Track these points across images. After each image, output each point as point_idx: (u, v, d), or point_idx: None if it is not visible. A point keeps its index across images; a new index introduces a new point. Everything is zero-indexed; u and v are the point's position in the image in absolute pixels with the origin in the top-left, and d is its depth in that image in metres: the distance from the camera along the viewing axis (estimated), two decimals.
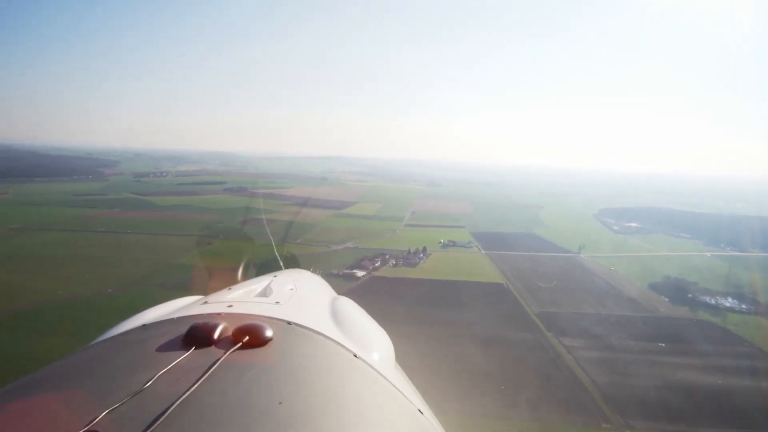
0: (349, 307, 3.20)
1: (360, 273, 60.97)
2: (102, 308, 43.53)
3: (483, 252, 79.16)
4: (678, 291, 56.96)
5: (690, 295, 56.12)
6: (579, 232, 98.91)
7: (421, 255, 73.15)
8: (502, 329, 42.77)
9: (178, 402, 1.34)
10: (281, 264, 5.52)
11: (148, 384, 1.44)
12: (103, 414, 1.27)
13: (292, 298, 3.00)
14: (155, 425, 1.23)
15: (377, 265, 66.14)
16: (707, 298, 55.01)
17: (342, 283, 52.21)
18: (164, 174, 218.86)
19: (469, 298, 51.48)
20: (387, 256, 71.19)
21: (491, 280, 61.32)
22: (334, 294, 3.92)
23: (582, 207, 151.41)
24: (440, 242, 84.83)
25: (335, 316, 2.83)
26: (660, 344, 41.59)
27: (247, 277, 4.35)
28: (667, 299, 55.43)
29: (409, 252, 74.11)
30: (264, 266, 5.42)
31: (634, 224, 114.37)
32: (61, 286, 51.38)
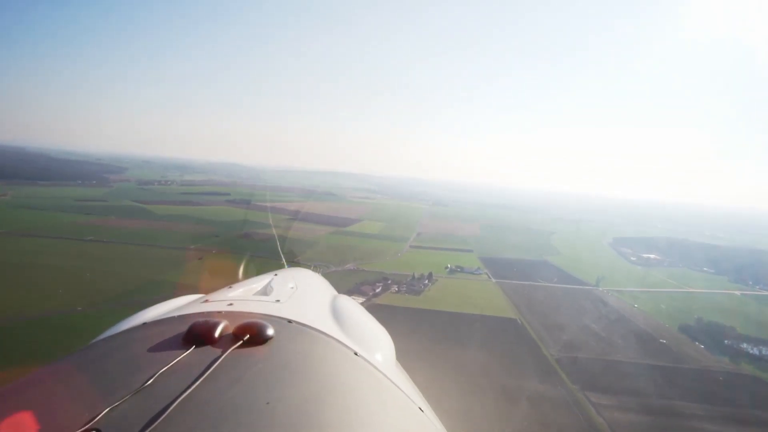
0: (350, 305, 3.20)
1: (358, 300, 55.35)
2: (62, 329, 38.55)
3: (493, 280, 73.39)
4: (713, 336, 50.73)
5: (728, 342, 49.89)
6: (595, 262, 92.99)
7: (426, 281, 67.63)
8: (518, 379, 36.93)
9: (178, 400, 1.34)
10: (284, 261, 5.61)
11: (148, 382, 1.45)
12: (104, 412, 1.27)
13: (293, 296, 3.00)
14: (156, 423, 1.23)
15: (378, 291, 60.69)
16: (748, 347, 48.72)
17: None
18: (169, 182, 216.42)
19: (479, 337, 45.71)
20: (389, 281, 65.77)
21: (503, 314, 55.51)
22: (335, 292, 3.96)
23: (595, 234, 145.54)
24: (447, 267, 79.26)
25: (336, 314, 2.82)
26: (705, 405, 35.49)
27: (247, 275, 4.21)
28: (702, 346, 49.22)
29: (413, 277, 68.68)
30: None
31: (652, 256, 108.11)
32: (26, 302, 46.46)
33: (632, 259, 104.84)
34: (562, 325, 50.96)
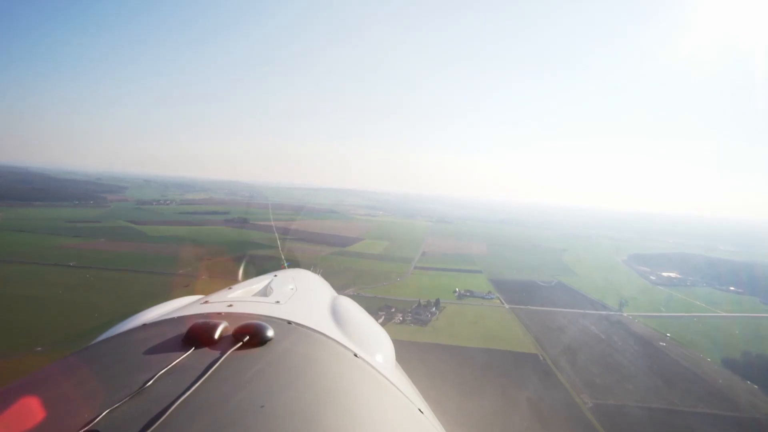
0: (350, 306, 3.22)
1: None
2: (12, 376, 32.61)
3: (506, 306, 67.07)
4: (766, 373, 44.19)
5: None
6: (613, 283, 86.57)
7: (434, 309, 61.44)
8: None
9: (178, 402, 1.34)
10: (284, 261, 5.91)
11: (148, 384, 1.45)
12: (104, 413, 1.27)
13: (293, 297, 3.03)
14: (156, 425, 1.23)
15: (380, 321, 54.41)
16: None
17: None
18: (168, 202, 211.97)
19: (497, 379, 39.40)
20: (392, 309, 59.69)
21: (522, 348, 49.18)
22: (335, 293, 4.04)
23: (608, 251, 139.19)
24: (455, 292, 73.06)
25: (335, 315, 2.86)
26: None
27: (247, 276, 4.21)
28: (756, 386, 42.66)
29: (419, 305, 62.53)
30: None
31: (672, 274, 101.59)
32: None
33: (651, 278, 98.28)
34: (591, 362, 44.66)
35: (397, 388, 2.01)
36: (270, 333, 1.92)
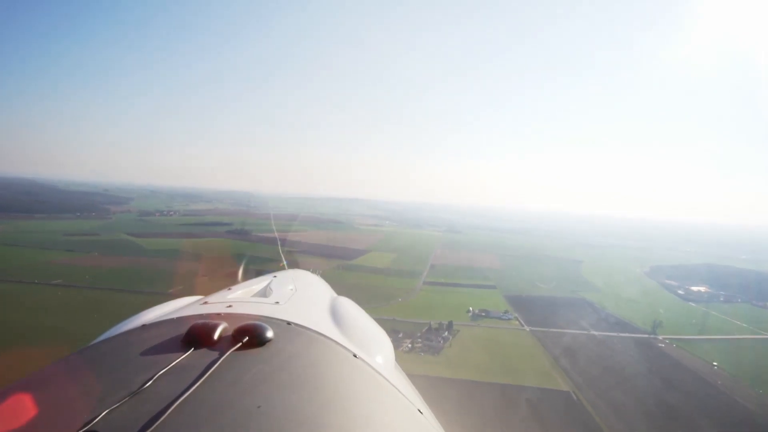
0: (349, 307, 3.20)
1: None
2: None
3: (527, 329, 60.63)
4: None
5: None
6: (639, 299, 79.69)
7: (446, 333, 55.25)
8: None
9: (177, 402, 1.34)
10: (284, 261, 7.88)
11: (147, 384, 1.45)
12: (103, 414, 1.27)
13: (292, 298, 3.01)
14: (155, 425, 1.22)
15: None
16: None
17: None
18: (172, 213, 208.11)
19: (525, 427, 32.99)
20: (400, 334, 53.62)
21: (550, 383, 42.76)
22: (334, 294, 3.96)
23: (628, 262, 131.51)
24: (469, 311, 66.78)
25: (335, 316, 2.86)
26: None
27: (246, 277, 4.21)
28: None
29: (429, 328, 56.38)
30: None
31: (702, 288, 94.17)
32: None
33: (680, 293, 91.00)
34: (636, 403, 38.08)
35: (397, 389, 2.00)
36: (269, 334, 1.91)
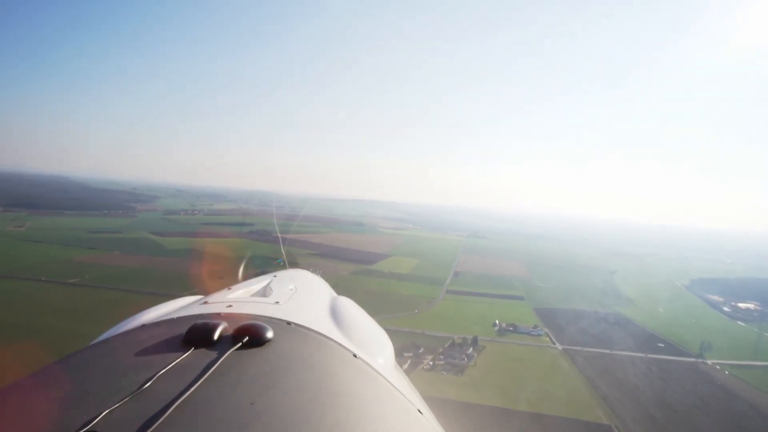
0: (349, 306, 3.20)
1: None
2: None
3: (558, 347, 55.79)
4: None
5: None
6: (681, 316, 73.58)
7: (470, 350, 51.12)
8: None
9: (177, 402, 1.33)
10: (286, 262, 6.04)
11: (147, 384, 1.44)
12: (103, 414, 1.26)
13: (292, 298, 3.01)
14: (155, 425, 1.22)
15: (405, 367, 44.62)
16: None
17: None
18: (196, 212, 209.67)
19: None
20: (421, 349, 49.82)
21: (589, 415, 38.12)
22: (334, 294, 3.95)
23: (665, 274, 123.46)
24: (495, 325, 62.31)
25: (335, 316, 2.86)
26: None
27: (247, 276, 4.21)
28: None
29: (452, 343, 52.37)
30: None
31: (751, 305, 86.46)
32: None
33: (726, 310, 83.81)
34: None
35: (397, 389, 2.00)
36: (269, 333, 1.90)
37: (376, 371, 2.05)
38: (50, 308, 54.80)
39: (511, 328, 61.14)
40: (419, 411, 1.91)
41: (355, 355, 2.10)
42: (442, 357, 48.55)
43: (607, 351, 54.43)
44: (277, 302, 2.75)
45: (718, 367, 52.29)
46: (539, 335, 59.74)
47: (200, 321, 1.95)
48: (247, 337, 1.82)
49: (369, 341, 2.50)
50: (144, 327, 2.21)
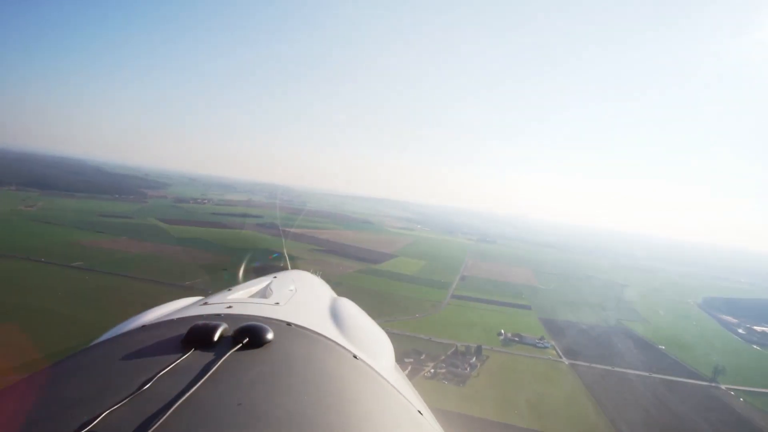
0: (350, 308, 3.21)
1: None
2: None
3: (565, 362, 53.88)
4: None
5: None
6: (694, 336, 71.04)
7: (473, 359, 49.47)
8: None
9: (177, 403, 1.33)
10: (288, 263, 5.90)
11: (147, 385, 1.44)
12: (103, 415, 1.26)
13: (292, 299, 3.00)
14: (155, 426, 1.22)
15: (405, 373, 42.88)
16: None
17: None
18: (206, 201, 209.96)
19: None
20: (422, 355, 48.36)
21: None
22: (334, 295, 3.97)
23: (677, 290, 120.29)
24: (500, 334, 60.51)
25: (335, 317, 2.87)
26: None
27: (247, 278, 4.21)
28: None
29: (455, 351, 50.79)
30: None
31: (767, 329, 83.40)
32: None
33: (740, 332, 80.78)
34: None
35: (397, 390, 2.01)
36: (269, 335, 1.90)
37: (377, 372, 2.05)
38: (44, 290, 54.24)
39: (516, 339, 59.29)
40: (419, 412, 1.92)
41: (355, 357, 2.11)
42: (444, 365, 47.02)
43: (616, 369, 52.41)
44: (277, 303, 2.73)
45: (732, 393, 49.98)
46: (545, 347, 57.85)
47: (200, 322, 1.95)
48: (247, 338, 1.82)
49: (369, 342, 2.49)
50: (144, 328, 2.20)
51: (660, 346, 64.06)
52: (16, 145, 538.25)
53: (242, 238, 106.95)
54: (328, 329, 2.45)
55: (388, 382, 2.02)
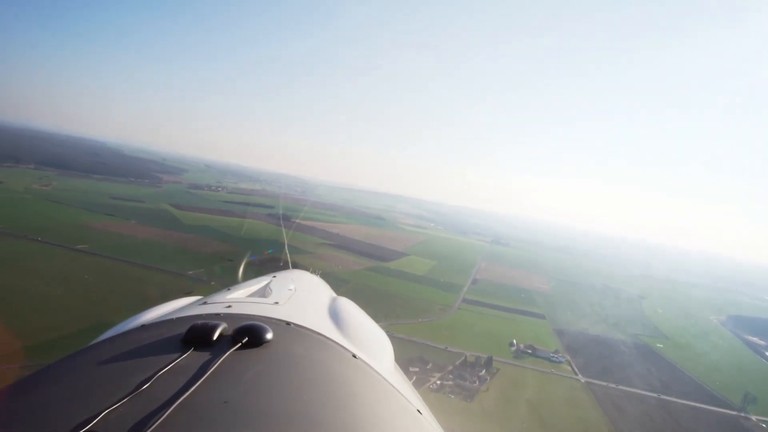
0: (349, 307, 3.21)
1: None
2: None
3: (581, 379, 50.54)
4: None
5: None
6: (720, 359, 66.80)
7: (483, 372, 46.47)
8: None
9: (177, 402, 1.34)
10: (289, 262, 5.62)
11: (147, 384, 1.44)
12: (103, 414, 1.26)
13: (292, 298, 3.00)
14: (154, 425, 1.22)
15: (411, 382, 40.32)
16: None
17: None
18: (220, 189, 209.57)
19: None
20: (429, 365, 45.60)
21: None
22: (334, 294, 3.94)
23: (698, 306, 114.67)
24: (512, 345, 57.34)
25: (334, 316, 2.86)
26: None
27: (246, 277, 4.15)
28: None
29: (464, 362, 47.87)
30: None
31: None
32: None
33: None
34: None
35: (396, 389, 2.02)
36: (269, 334, 1.89)
37: (376, 372, 2.05)
38: (38, 272, 52.88)
39: (529, 351, 56.11)
40: (419, 411, 1.93)
41: (354, 356, 2.11)
42: (451, 376, 44.19)
43: (636, 391, 48.92)
44: (277, 303, 2.71)
45: (764, 425, 46.12)
46: (560, 362, 54.53)
47: (200, 321, 1.94)
48: (246, 338, 1.82)
49: (369, 342, 2.49)
50: (144, 327, 2.19)
51: (682, 368, 60.11)
52: (39, 125, 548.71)
53: (249, 229, 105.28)
54: (328, 329, 2.42)
55: (388, 381, 2.03)
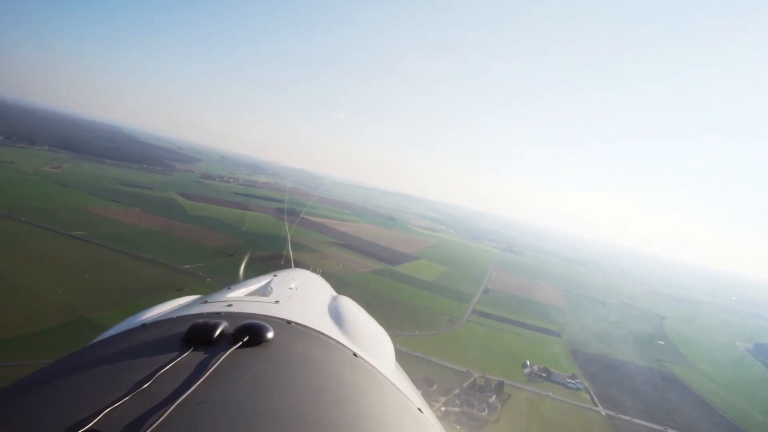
0: (350, 306, 3.22)
1: None
2: None
3: (601, 412, 45.63)
4: None
5: None
6: (752, 394, 61.01)
7: (494, 398, 41.91)
8: None
9: (178, 401, 1.34)
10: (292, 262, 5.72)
11: (147, 383, 1.44)
12: (103, 413, 1.26)
13: (292, 297, 3.02)
14: (155, 425, 1.22)
15: None
16: None
17: None
18: (231, 180, 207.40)
19: None
20: (434, 386, 41.20)
21: None
22: (334, 293, 3.97)
23: (723, 331, 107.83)
24: (526, 367, 52.65)
25: (335, 315, 2.88)
26: None
27: (247, 276, 4.22)
28: None
29: (473, 384, 43.41)
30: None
31: None
32: None
33: None
34: None
35: (397, 388, 2.03)
36: (269, 333, 1.89)
37: (377, 370, 2.06)
38: (23, 259, 49.80)
39: (544, 374, 51.35)
40: (419, 410, 1.93)
41: (355, 354, 2.12)
42: (458, 401, 39.82)
43: (662, 428, 43.88)
44: (277, 301, 2.73)
45: None
46: (578, 389, 49.69)
47: (200, 320, 1.93)
48: (247, 337, 1.82)
49: (369, 340, 2.50)
50: (144, 326, 2.19)
51: (712, 403, 54.75)
52: (56, 107, 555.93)
53: (254, 223, 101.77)
54: (329, 327, 2.42)
55: (388, 380, 2.03)
